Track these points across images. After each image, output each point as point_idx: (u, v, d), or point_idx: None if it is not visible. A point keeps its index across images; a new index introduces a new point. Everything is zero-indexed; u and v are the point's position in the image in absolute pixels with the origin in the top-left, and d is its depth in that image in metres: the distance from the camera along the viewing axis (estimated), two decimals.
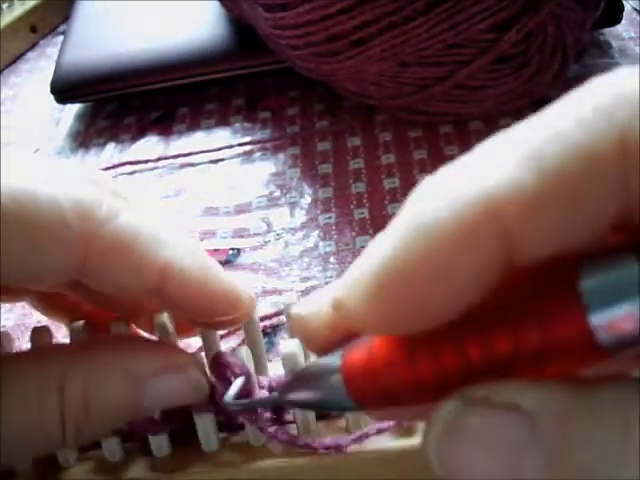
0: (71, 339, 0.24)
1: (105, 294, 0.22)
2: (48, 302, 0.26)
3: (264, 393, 0.22)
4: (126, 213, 0.21)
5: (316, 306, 0.17)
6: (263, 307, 0.36)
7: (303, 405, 0.17)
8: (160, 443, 0.24)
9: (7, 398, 0.20)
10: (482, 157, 0.13)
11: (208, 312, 0.22)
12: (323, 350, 0.17)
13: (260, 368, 0.24)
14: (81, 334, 0.24)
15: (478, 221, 0.12)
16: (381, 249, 0.13)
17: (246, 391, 0.22)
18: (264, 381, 0.23)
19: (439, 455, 0.13)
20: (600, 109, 0.12)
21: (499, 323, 0.13)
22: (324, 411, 0.17)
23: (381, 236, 0.14)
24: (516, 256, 0.13)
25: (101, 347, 0.22)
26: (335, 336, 0.16)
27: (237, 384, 0.22)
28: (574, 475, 0.12)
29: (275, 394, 0.19)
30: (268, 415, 0.22)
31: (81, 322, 0.24)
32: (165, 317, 0.23)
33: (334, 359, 0.16)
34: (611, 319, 0.11)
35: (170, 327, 0.23)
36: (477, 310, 0.13)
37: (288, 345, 0.22)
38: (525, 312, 0.13)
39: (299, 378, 0.17)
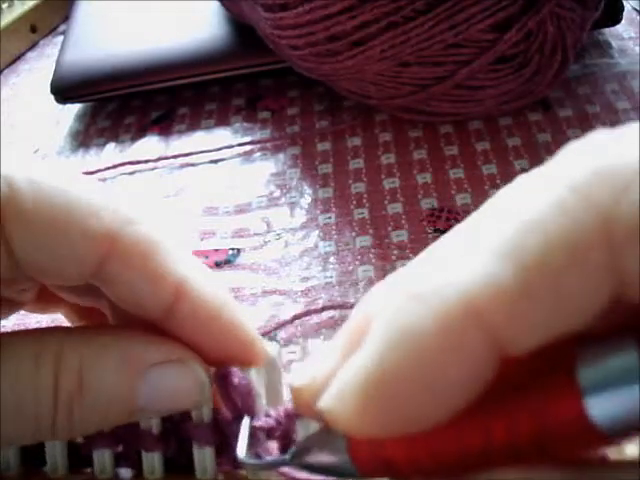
0: None
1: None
2: (82, 315, 0.25)
3: (270, 421, 0.22)
4: (147, 224, 0.21)
5: (310, 377, 0.17)
6: (263, 307, 0.36)
7: (314, 470, 0.18)
8: (153, 464, 0.22)
9: (2, 363, 0.19)
10: (458, 251, 0.13)
11: (218, 344, 0.21)
12: (324, 422, 0.17)
13: (274, 397, 0.23)
14: None
15: (460, 325, 0.12)
16: (365, 359, 0.13)
17: (250, 415, 0.21)
18: (272, 412, 0.22)
19: None
20: (578, 190, 0.12)
21: (497, 413, 0.13)
22: (334, 477, 0.18)
23: (365, 345, 0.13)
24: (506, 350, 0.12)
25: (101, 330, 0.22)
26: None
27: (244, 432, 0.21)
28: None
29: (287, 458, 0.19)
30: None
31: None
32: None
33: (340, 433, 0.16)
34: (609, 409, 0.11)
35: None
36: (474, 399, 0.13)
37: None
38: (523, 402, 0.13)
39: (311, 443, 0.17)
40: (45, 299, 0.25)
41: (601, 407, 0.11)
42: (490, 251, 0.12)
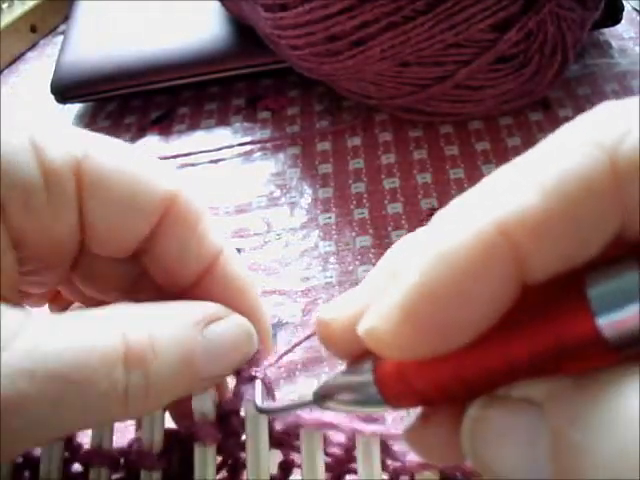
0: None
1: None
2: None
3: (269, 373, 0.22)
4: (189, 192, 0.23)
5: (339, 311, 0.18)
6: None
7: (339, 407, 0.18)
8: None
9: (64, 324, 0.18)
10: (491, 186, 0.15)
11: (243, 311, 0.22)
12: (350, 353, 0.18)
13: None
14: None
15: (492, 246, 0.14)
16: (407, 279, 0.14)
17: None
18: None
19: (471, 448, 0.15)
20: (591, 138, 0.14)
21: (517, 335, 0.14)
22: (359, 412, 0.18)
23: (405, 270, 0.15)
24: (528, 275, 0.14)
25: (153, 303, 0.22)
26: (359, 347, 0.17)
27: (259, 387, 0.21)
28: (574, 457, 0.13)
29: (309, 398, 0.19)
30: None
31: None
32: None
33: (364, 364, 0.17)
34: (616, 320, 0.13)
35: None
36: (498, 322, 0.14)
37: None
38: (541, 324, 0.14)
39: (333, 382, 0.18)
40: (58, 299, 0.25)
41: (610, 323, 0.13)
42: (519, 184, 0.14)
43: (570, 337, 0.13)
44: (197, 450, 0.22)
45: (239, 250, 0.40)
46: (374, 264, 0.39)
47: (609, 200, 0.13)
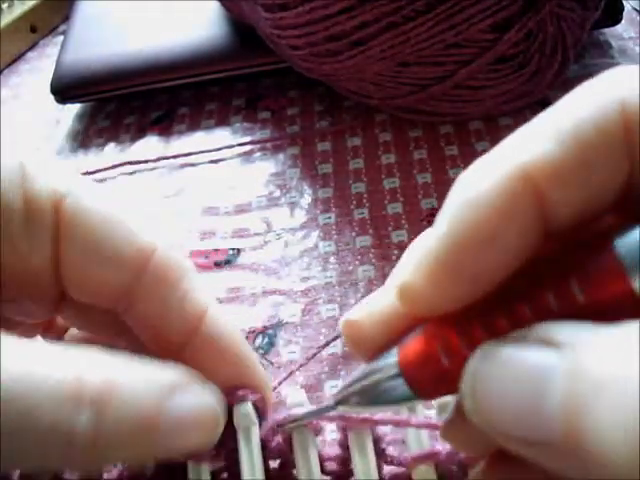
0: None
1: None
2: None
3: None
4: (170, 249, 0.22)
5: (366, 309, 0.18)
6: (263, 307, 0.36)
7: (363, 407, 0.18)
8: None
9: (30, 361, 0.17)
10: (514, 138, 0.16)
11: (229, 372, 0.22)
12: (376, 351, 0.17)
13: None
14: None
15: (516, 191, 0.15)
16: (436, 230, 0.15)
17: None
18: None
19: (472, 383, 0.15)
20: (605, 91, 0.15)
21: (546, 285, 0.15)
22: (381, 407, 0.18)
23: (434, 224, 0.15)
24: (550, 221, 0.15)
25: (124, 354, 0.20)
26: (389, 334, 0.17)
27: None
28: (590, 393, 0.12)
29: (331, 403, 0.19)
30: None
31: None
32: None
33: (389, 357, 0.17)
34: None
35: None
36: (523, 281, 0.15)
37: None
38: (569, 275, 0.14)
39: (354, 381, 0.18)
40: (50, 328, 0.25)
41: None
42: (540, 133, 0.15)
43: (600, 293, 0.14)
44: (191, 469, 0.21)
45: (239, 250, 0.40)
46: (374, 264, 0.39)
47: (620, 147, 0.14)
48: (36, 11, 0.63)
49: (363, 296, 0.36)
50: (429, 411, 0.29)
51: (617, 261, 0.13)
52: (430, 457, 0.20)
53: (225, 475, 0.22)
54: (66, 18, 0.59)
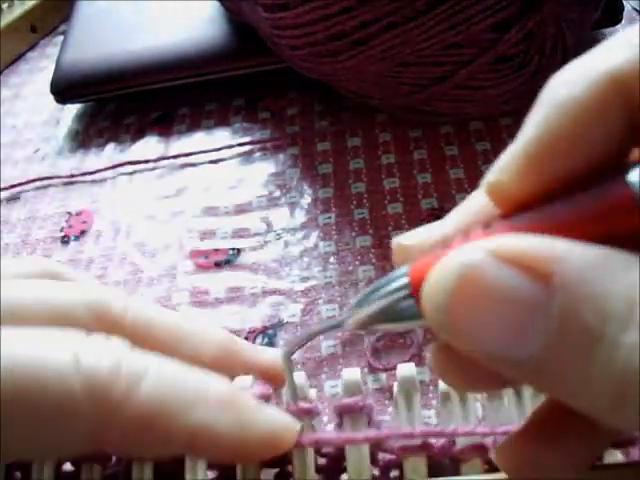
0: None
1: None
2: None
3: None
4: (152, 370, 0.19)
5: (424, 239, 0.18)
6: (263, 307, 0.36)
7: (369, 322, 0.17)
8: (142, 475, 0.21)
9: None
10: (606, 45, 0.16)
11: (246, 458, 0.21)
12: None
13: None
14: None
15: (607, 94, 0.15)
16: (526, 133, 0.16)
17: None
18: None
19: (444, 304, 0.14)
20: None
21: (565, 220, 0.15)
22: (389, 326, 0.17)
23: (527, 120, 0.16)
24: (637, 128, 0.15)
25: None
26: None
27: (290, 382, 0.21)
28: (582, 338, 0.12)
29: (339, 318, 0.18)
30: None
31: None
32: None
33: (399, 274, 0.16)
34: None
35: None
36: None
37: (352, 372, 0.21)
38: (587, 217, 0.15)
39: (362, 299, 0.17)
40: None
41: None
42: (627, 42, 0.16)
43: (617, 225, 0.14)
44: (188, 466, 0.21)
45: (239, 250, 0.40)
46: (374, 264, 0.39)
47: None
48: (36, 11, 0.62)
49: None
50: (429, 411, 0.29)
51: (628, 187, 0.14)
52: (422, 449, 0.21)
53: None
54: (66, 18, 0.59)
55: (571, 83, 0.16)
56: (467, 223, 0.17)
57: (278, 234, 0.40)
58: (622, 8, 0.47)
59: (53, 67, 0.52)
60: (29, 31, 0.62)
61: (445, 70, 0.39)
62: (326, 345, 0.34)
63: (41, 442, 0.18)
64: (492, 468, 0.20)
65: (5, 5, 0.61)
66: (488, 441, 0.20)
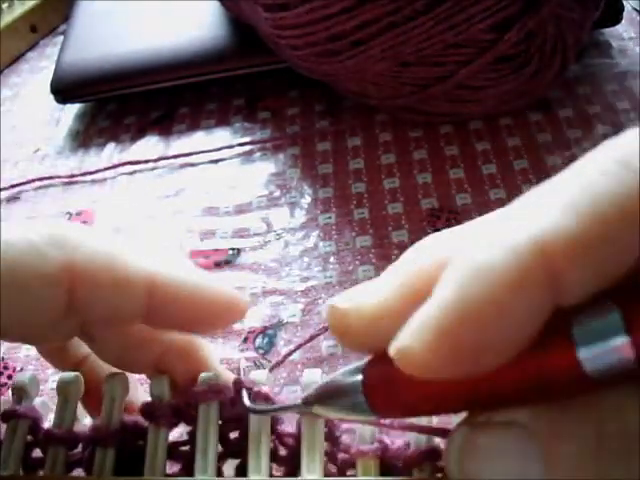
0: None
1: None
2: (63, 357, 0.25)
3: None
4: (98, 236, 0.21)
5: (361, 303, 0.17)
6: (263, 307, 0.36)
7: (326, 412, 0.18)
8: (104, 461, 0.22)
9: None
10: (525, 207, 0.15)
11: (203, 320, 0.22)
12: (364, 352, 0.17)
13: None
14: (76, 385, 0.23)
15: (529, 266, 0.14)
16: (442, 297, 0.14)
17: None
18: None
19: (460, 473, 0.16)
20: (620, 160, 0.14)
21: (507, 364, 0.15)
22: (346, 419, 0.19)
23: (441, 286, 0.15)
24: (561, 296, 0.14)
25: None
26: (372, 341, 0.17)
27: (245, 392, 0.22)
28: (568, 466, 0.14)
29: (299, 402, 0.19)
30: None
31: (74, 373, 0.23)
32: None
33: (357, 371, 0.17)
34: (594, 354, 0.14)
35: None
36: None
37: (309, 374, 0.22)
38: (529, 356, 0.14)
39: (324, 389, 0.18)
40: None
41: (587, 352, 0.14)
42: (554, 206, 0.14)
43: (554, 370, 0.14)
44: (150, 431, 0.22)
45: (239, 250, 0.40)
46: (374, 264, 0.39)
47: (638, 221, 0.13)
48: (36, 11, 0.63)
49: None
50: None
51: (570, 343, 0.14)
52: (376, 451, 0.21)
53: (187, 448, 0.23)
54: (66, 18, 0.59)
55: (492, 251, 0.14)
56: (405, 290, 0.16)
57: (278, 234, 0.40)
58: (622, 8, 0.47)
59: (53, 67, 0.52)
60: (29, 31, 0.62)
61: (445, 70, 0.39)
62: (326, 345, 0.34)
63: (21, 307, 0.19)
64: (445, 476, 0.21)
65: (5, 5, 0.61)
66: (442, 447, 0.21)
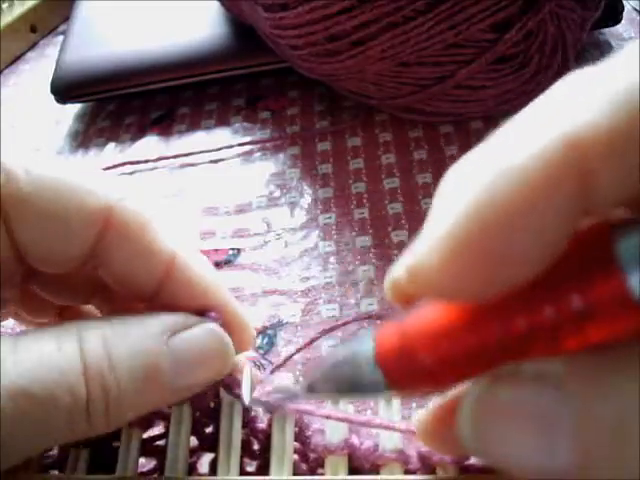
0: None
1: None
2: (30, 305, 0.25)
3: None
4: (137, 202, 0.22)
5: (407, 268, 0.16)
6: (263, 307, 0.36)
7: (331, 395, 0.17)
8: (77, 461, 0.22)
9: (24, 342, 0.18)
10: (557, 99, 0.14)
11: (206, 301, 0.22)
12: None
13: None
14: None
15: (560, 161, 0.12)
16: (460, 201, 0.13)
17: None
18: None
19: (473, 432, 0.14)
20: None
21: (541, 294, 0.13)
22: (352, 398, 0.17)
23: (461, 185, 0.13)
24: (592, 199, 0.12)
25: (116, 315, 0.21)
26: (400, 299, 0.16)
27: (247, 378, 0.22)
28: (602, 435, 0.12)
29: (298, 387, 0.18)
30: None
31: None
32: None
33: (363, 343, 0.16)
34: None
35: None
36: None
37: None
38: (567, 280, 0.13)
39: (324, 366, 0.17)
40: (30, 306, 0.25)
41: (636, 277, 0.12)
42: (590, 101, 0.13)
43: (597, 298, 0.12)
44: (124, 432, 0.22)
45: (239, 250, 0.40)
46: (374, 264, 0.39)
47: None
48: (36, 11, 0.63)
49: (363, 296, 0.36)
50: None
51: (615, 263, 0.12)
52: (344, 450, 0.21)
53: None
54: (66, 18, 0.59)
55: (521, 148, 0.13)
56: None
57: (278, 234, 0.40)
58: (622, 8, 0.47)
59: (53, 67, 0.52)
60: (29, 31, 0.62)
61: (445, 70, 0.39)
62: (327, 345, 0.34)
63: (56, 233, 0.20)
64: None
65: (5, 5, 0.61)
66: (411, 451, 0.21)
